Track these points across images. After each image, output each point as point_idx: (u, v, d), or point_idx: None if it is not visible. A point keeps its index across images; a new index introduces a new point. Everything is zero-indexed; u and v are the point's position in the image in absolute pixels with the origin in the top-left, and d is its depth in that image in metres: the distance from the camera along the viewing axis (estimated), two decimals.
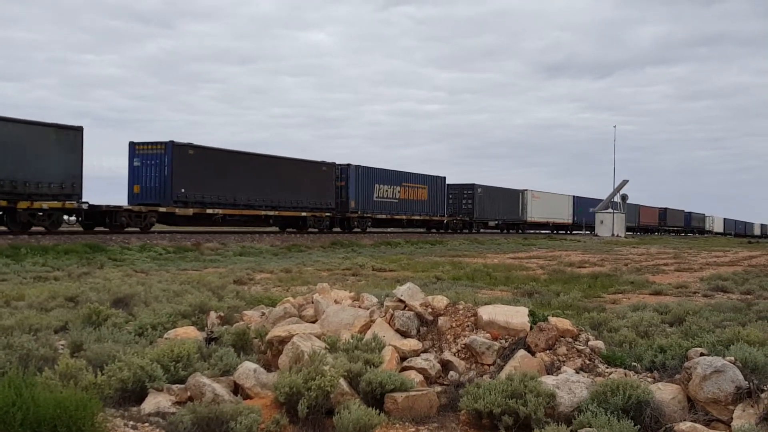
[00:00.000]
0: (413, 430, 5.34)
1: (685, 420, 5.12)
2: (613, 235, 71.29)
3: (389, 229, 52.73)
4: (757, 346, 6.12)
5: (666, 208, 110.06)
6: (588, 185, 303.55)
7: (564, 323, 6.90)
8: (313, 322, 7.84)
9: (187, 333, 7.56)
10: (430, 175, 55.47)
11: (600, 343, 6.91)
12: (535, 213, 71.48)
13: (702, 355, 5.88)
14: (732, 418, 5.10)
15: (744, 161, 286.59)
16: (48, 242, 24.89)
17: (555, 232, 76.42)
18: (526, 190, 70.34)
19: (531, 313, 7.11)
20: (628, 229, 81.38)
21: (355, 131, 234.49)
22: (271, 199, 39.01)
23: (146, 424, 5.12)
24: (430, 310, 7.39)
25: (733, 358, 5.60)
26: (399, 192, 50.67)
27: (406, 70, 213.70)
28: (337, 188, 44.93)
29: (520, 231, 70.51)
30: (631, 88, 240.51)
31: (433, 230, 57.55)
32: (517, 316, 7.00)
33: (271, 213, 39.35)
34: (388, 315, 7.37)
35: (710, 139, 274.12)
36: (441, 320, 7.21)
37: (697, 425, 4.90)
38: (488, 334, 6.82)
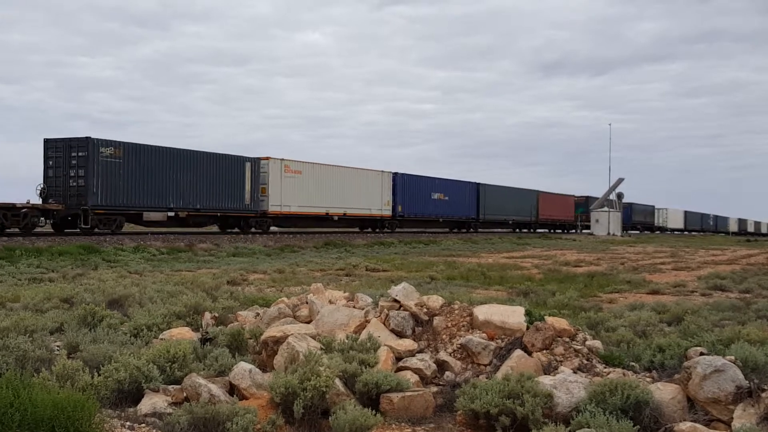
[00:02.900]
0: (409, 430, 5.32)
1: (685, 420, 5.09)
2: (609, 233, 71.38)
3: None
4: (757, 345, 6.12)
5: (587, 197, 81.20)
6: (585, 184, 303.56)
7: (561, 323, 6.87)
8: (308, 323, 7.80)
9: (182, 334, 7.53)
10: None
11: (597, 343, 6.87)
12: (290, 199, 41.53)
13: (701, 354, 5.85)
14: (732, 418, 5.07)
15: (743, 159, 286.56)
16: (42, 244, 24.83)
17: (373, 231, 48.77)
18: (269, 158, 40.01)
19: (527, 313, 7.06)
20: (522, 225, 69.11)
21: (349, 131, 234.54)
22: None
23: (143, 425, 5.09)
24: (425, 310, 7.35)
25: (733, 358, 5.58)
26: None
27: (400, 70, 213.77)
28: None
29: (253, 231, 39.40)
30: (628, 85, 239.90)
31: None
32: (513, 315, 6.95)
33: None
34: (383, 315, 7.33)
35: (708, 136, 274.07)
36: (436, 320, 7.17)
37: (698, 425, 4.87)
38: (484, 334, 6.78)
